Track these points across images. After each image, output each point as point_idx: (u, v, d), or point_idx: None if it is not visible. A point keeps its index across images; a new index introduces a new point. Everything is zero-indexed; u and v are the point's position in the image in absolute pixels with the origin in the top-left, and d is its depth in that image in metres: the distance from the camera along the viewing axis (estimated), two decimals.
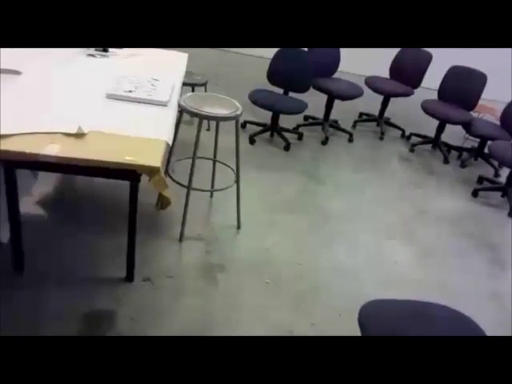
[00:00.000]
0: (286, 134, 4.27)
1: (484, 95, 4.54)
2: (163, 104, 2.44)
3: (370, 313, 1.81)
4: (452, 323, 1.82)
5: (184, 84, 3.24)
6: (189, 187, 2.63)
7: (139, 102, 2.41)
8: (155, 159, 1.95)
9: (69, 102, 2.32)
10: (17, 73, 2.46)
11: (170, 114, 2.40)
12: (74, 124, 2.02)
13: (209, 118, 2.59)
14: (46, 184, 2.93)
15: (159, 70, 2.93)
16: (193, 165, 2.60)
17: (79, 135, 1.99)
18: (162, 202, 2.05)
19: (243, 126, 4.34)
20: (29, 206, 2.69)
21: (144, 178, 1.99)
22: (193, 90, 3.89)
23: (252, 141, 4.14)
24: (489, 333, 1.70)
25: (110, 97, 2.40)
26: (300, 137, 4.44)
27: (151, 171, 1.91)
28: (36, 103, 2.23)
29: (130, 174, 1.95)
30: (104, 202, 2.92)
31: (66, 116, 2.14)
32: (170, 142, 2.22)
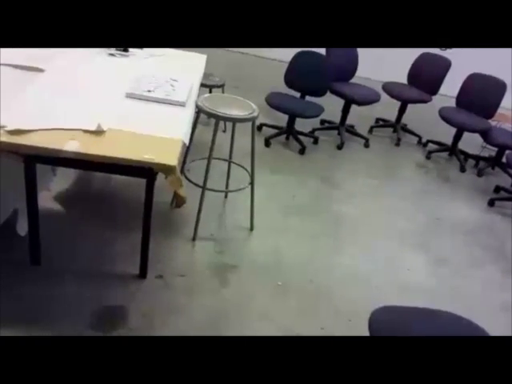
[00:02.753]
0: (302, 138, 4.28)
1: (504, 104, 4.49)
2: (181, 104, 2.47)
3: (380, 319, 1.80)
4: (462, 332, 1.80)
5: (202, 85, 3.27)
6: (203, 187, 2.66)
7: (158, 102, 2.45)
8: (172, 158, 1.97)
9: (89, 99, 2.36)
10: (40, 70, 2.51)
11: (188, 114, 2.43)
12: (93, 121, 2.06)
13: (225, 118, 2.61)
14: (64, 180, 2.98)
15: (178, 70, 2.97)
16: (208, 165, 2.62)
17: (98, 132, 2.03)
18: (177, 201, 2.07)
19: (259, 128, 4.36)
20: (46, 201, 2.75)
21: (160, 177, 2.02)
22: (210, 92, 3.92)
23: (267, 143, 4.15)
24: None
25: (130, 96, 2.44)
26: (316, 141, 4.44)
27: (168, 170, 1.94)
28: (57, 100, 2.28)
29: (146, 171, 1.98)
30: (119, 200, 2.96)
31: (86, 113, 2.19)
32: (187, 142, 2.25)
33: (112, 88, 2.52)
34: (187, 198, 2.12)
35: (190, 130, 2.38)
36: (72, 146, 1.90)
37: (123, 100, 2.41)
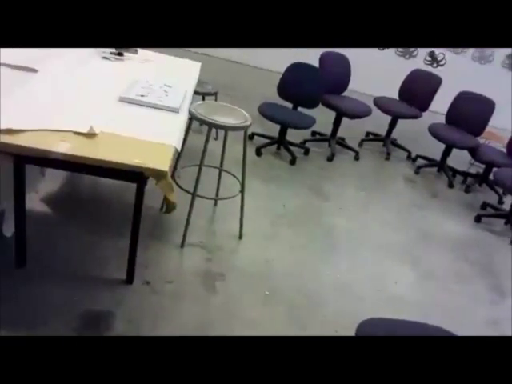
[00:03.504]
0: (293, 148, 4.30)
1: (494, 123, 4.57)
2: (174, 110, 2.47)
3: (366, 331, 1.80)
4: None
5: (195, 93, 3.28)
6: (194, 194, 2.65)
7: (151, 107, 2.45)
8: (163, 163, 1.97)
9: (82, 102, 2.35)
10: (33, 71, 2.50)
11: (181, 121, 2.43)
12: (85, 124, 2.05)
13: (218, 126, 2.61)
14: (52, 182, 2.95)
15: (172, 76, 2.98)
16: (199, 172, 2.62)
17: (90, 135, 2.02)
18: (168, 206, 2.06)
19: (251, 137, 4.37)
20: (34, 202, 2.72)
21: (150, 182, 2.02)
22: (203, 99, 3.93)
23: (259, 153, 4.16)
24: None
25: (123, 100, 2.44)
26: (306, 152, 4.46)
27: (159, 175, 1.93)
28: (50, 101, 2.27)
29: (137, 176, 1.97)
30: (109, 204, 2.94)
31: (78, 115, 2.18)
32: (179, 148, 2.24)
33: (105, 91, 2.51)
34: (177, 204, 2.11)
35: (182, 136, 2.37)
36: (62, 147, 1.88)
37: (116, 104, 2.41)
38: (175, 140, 2.20)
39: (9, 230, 2.34)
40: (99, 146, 1.98)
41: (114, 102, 2.41)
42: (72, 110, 2.23)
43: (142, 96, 2.50)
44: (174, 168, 2.81)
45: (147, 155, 1.98)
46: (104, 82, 2.68)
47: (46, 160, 1.91)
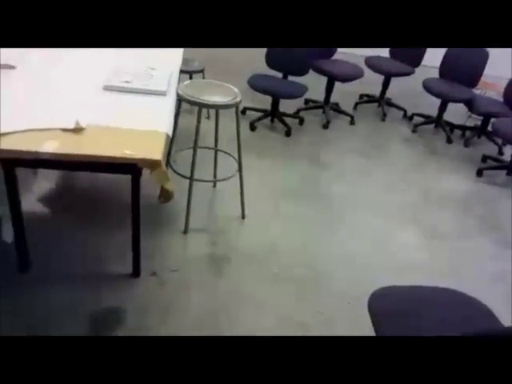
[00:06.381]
0: (287, 119, 4.21)
1: (487, 71, 4.45)
2: (161, 94, 2.39)
3: (379, 300, 1.78)
4: (462, 307, 1.80)
5: (181, 71, 3.16)
6: (191, 178, 2.59)
7: (137, 93, 2.35)
8: (156, 152, 1.90)
9: (65, 95, 2.26)
10: (11, 67, 2.40)
11: (169, 104, 2.34)
12: (71, 118, 1.96)
13: (208, 106, 2.53)
14: (45, 180, 2.88)
15: (156, 58, 2.86)
16: (194, 155, 2.55)
17: (77, 130, 1.94)
18: (164, 196, 2.01)
19: (243, 112, 4.27)
20: (30, 203, 2.66)
21: (146, 171, 1.95)
22: (190, 78, 3.82)
23: (253, 127, 4.08)
24: (498, 313, 1.69)
25: (107, 88, 2.34)
26: (301, 121, 4.37)
27: (152, 164, 1.86)
28: (32, 98, 2.17)
29: (130, 167, 1.90)
30: (106, 198, 2.88)
31: (62, 110, 2.09)
32: (170, 133, 2.17)
33: (88, 81, 2.41)
34: (175, 190, 2.05)
35: (172, 121, 2.29)
36: (50, 146, 1.80)
37: (101, 93, 2.31)
38: (166, 126, 2.12)
39: (9, 235, 2.29)
40: (87, 140, 1.91)
41: (99, 92, 2.32)
42: (56, 105, 2.14)
43: (126, 82, 2.41)
44: (168, 153, 2.74)
45: (138, 145, 1.91)
46: (86, 71, 2.57)
47: (36, 161, 1.84)
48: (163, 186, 1.95)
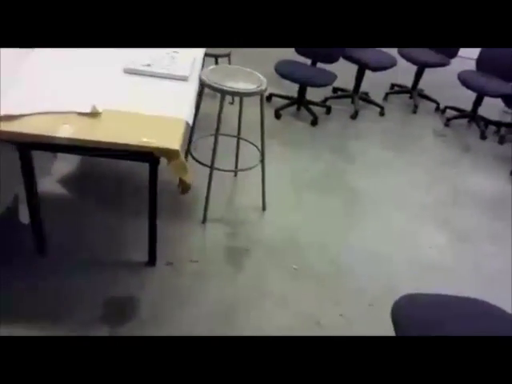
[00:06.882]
0: (314, 108, 4.07)
1: None
2: (183, 79, 2.30)
3: (403, 309, 1.68)
4: (490, 319, 1.68)
5: (206, 55, 3.07)
6: (211, 167, 2.51)
7: (158, 77, 2.27)
8: (174, 141, 1.82)
9: (84, 77, 2.19)
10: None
11: (191, 90, 2.26)
12: (88, 102, 1.90)
13: (232, 93, 2.43)
14: (65, 163, 2.85)
15: None
16: (215, 143, 2.46)
17: (94, 114, 1.87)
18: (182, 187, 1.93)
19: (268, 99, 4.16)
20: (49, 185, 2.63)
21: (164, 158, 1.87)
22: (216, 62, 3.71)
23: (278, 115, 3.96)
24: None
25: (128, 71, 2.27)
26: (328, 110, 4.23)
27: (170, 154, 1.78)
28: (50, 80, 2.12)
29: (147, 156, 1.83)
30: (125, 183, 2.83)
31: (80, 93, 2.03)
32: (191, 121, 2.08)
33: (109, 64, 2.34)
34: (195, 179, 1.98)
35: (193, 108, 2.21)
36: (65, 131, 1.74)
37: (121, 76, 2.24)
38: (186, 113, 2.03)
39: (25, 216, 2.26)
40: (104, 126, 1.84)
41: (119, 75, 2.25)
42: (74, 88, 2.08)
43: (147, 65, 2.32)
44: (189, 141, 2.66)
45: (156, 133, 1.83)
46: (106, 53, 2.50)
47: (51, 145, 1.79)
48: (181, 177, 1.87)
